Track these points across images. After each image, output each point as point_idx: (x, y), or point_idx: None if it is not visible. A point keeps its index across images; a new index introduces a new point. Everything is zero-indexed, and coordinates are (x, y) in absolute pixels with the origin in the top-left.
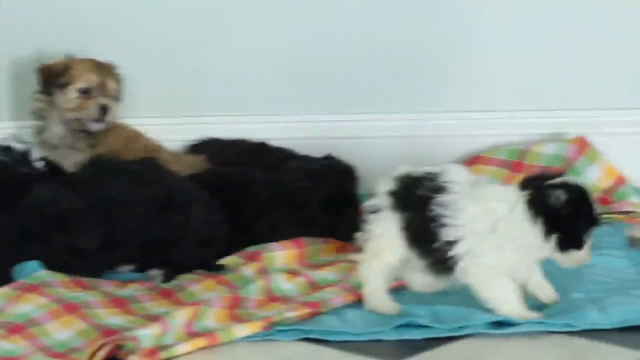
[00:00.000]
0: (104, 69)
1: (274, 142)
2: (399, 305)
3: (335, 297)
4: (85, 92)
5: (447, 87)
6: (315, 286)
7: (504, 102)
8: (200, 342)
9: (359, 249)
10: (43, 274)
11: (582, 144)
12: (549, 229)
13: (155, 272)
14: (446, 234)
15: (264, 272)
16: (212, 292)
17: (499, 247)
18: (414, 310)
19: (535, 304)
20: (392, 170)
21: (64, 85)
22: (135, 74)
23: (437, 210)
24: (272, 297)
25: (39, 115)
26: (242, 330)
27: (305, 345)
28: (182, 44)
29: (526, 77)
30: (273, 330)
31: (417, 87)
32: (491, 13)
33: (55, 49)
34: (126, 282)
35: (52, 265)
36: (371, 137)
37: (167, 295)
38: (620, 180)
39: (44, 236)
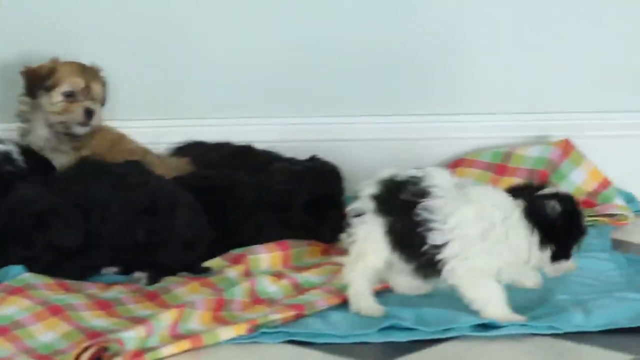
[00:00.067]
0: (89, 73)
1: (259, 145)
2: (383, 308)
3: (319, 299)
4: (70, 96)
5: (431, 90)
6: (299, 289)
7: (488, 104)
8: (185, 344)
9: (343, 252)
10: (27, 277)
11: (566, 147)
12: (546, 239)
13: (140, 275)
14: (433, 238)
15: (248, 274)
16: (196, 294)
17: (490, 252)
18: (398, 313)
19: (520, 307)
20: (376, 174)
21: (49, 89)
22: (119, 76)
23: (423, 214)
24: (257, 300)
25: (23, 117)
26: (226, 332)
27: (290, 348)
28: (167, 47)
29: (510, 80)
30: (258, 333)
31: (401, 89)
32: (476, 16)
33: (40, 52)
34: (111, 284)
35: (36, 265)
36: (356, 139)
37: (151, 297)
38: (605, 183)
39: (27, 235)
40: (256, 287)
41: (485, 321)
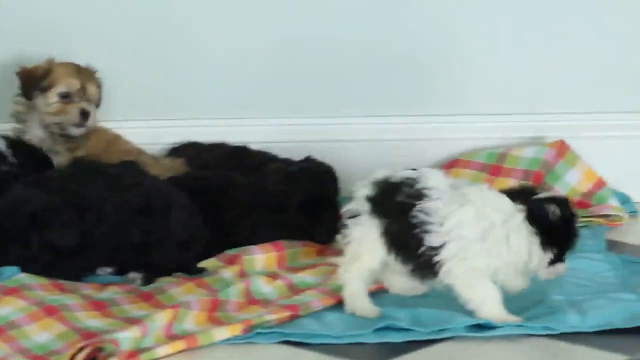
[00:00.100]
0: (85, 74)
1: (256, 146)
2: (378, 308)
3: (315, 300)
4: (66, 97)
5: (428, 91)
6: (295, 289)
7: (485, 105)
8: (180, 344)
9: (338, 253)
10: (22, 277)
11: (561, 148)
12: (548, 243)
13: (135, 275)
14: (430, 240)
15: (243, 275)
16: (191, 295)
17: (489, 252)
18: (394, 313)
19: (515, 307)
20: (370, 175)
21: (44, 89)
22: (116, 77)
23: (419, 217)
24: (252, 300)
25: (19, 118)
26: (221, 333)
27: (285, 348)
28: (163, 48)
29: (505, 81)
30: (253, 333)
31: (397, 90)
32: (472, 18)
33: (36, 52)
34: (106, 285)
35: (35, 265)
36: (352, 140)
37: (146, 298)
38: (600, 184)
39: (25, 235)
40: (251, 288)
41: (481, 322)
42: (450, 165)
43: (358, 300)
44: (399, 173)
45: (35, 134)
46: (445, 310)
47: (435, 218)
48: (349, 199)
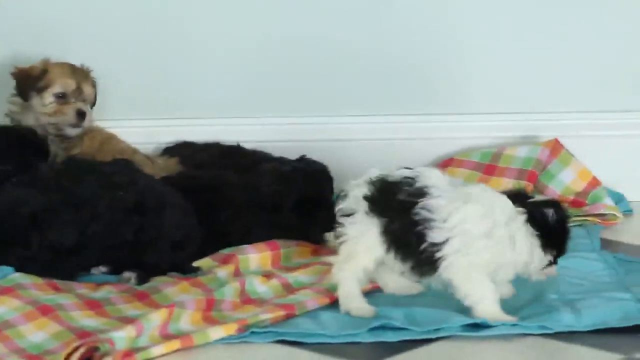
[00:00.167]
0: (80, 74)
1: (251, 145)
2: (374, 308)
3: (310, 299)
4: (62, 97)
5: (424, 90)
6: (290, 288)
7: (477, 104)
8: (175, 344)
9: (332, 251)
10: (17, 277)
11: (555, 147)
12: (548, 245)
13: (129, 275)
14: (433, 236)
15: (238, 274)
16: (186, 294)
17: (493, 250)
18: (389, 313)
19: (510, 307)
20: (363, 174)
21: (40, 90)
22: (112, 77)
23: (422, 213)
24: (247, 300)
25: (13, 118)
26: (216, 332)
27: (280, 348)
28: (159, 48)
29: (499, 80)
30: (248, 333)
31: (391, 89)
32: (468, 17)
33: (30, 52)
34: (100, 284)
35: (35, 265)
36: (348, 139)
37: (141, 297)
38: (594, 183)
39: (25, 236)
40: (246, 287)
41: (476, 321)
42: (445, 164)
43: (353, 300)
44: (395, 172)
45: None
46: (440, 310)
47: (439, 215)
48: (341, 197)
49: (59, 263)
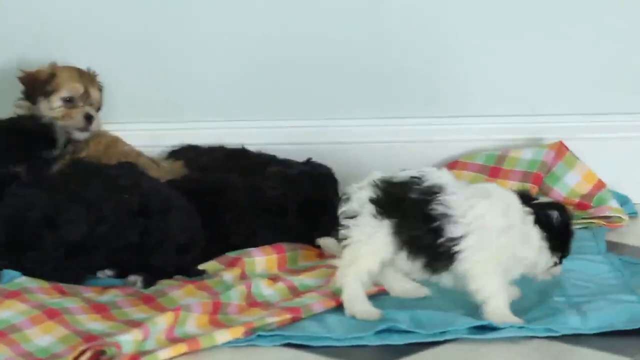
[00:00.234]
0: (87, 78)
1: (255, 148)
2: (379, 311)
3: (316, 302)
4: (70, 101)
5: (421, 91)
6: (296, 292)
7: (478, 106)
8: (181, 347)
9: (330, 255)
10: (23, 280)
11: (560, 149)
12: (554, 247)
13: (135, 278)
14: (452, 231)
15: (244, 277)
16: (192, 297)
17: (509, 247)
18: (394, 316)
19: (516, 309)
20: (364, 176)
21: (48, 94)
22: (116, 80)
23: (440, 209)
24: (253, 303)
25: None
26: (223, 335)
27: (287, 351)
28: (162, 50)
29: (499, 81)
30: (254, 336)
31: (391, 90)
32: (470, 18)
33: (34, 56)
34: (106, 287)
35: (46, 266)
36: (351, 142)
37: (147, 301)
38: (599, 185)
39: (37, 238)
40: (252, 290)
41: (482, 323)
42: (450, 167)
43: (357, 304)
44: (399, 173)
45: None
46: (446, 312)
47: (457, 210)
48: (343, 200)
49: (69, 262)
